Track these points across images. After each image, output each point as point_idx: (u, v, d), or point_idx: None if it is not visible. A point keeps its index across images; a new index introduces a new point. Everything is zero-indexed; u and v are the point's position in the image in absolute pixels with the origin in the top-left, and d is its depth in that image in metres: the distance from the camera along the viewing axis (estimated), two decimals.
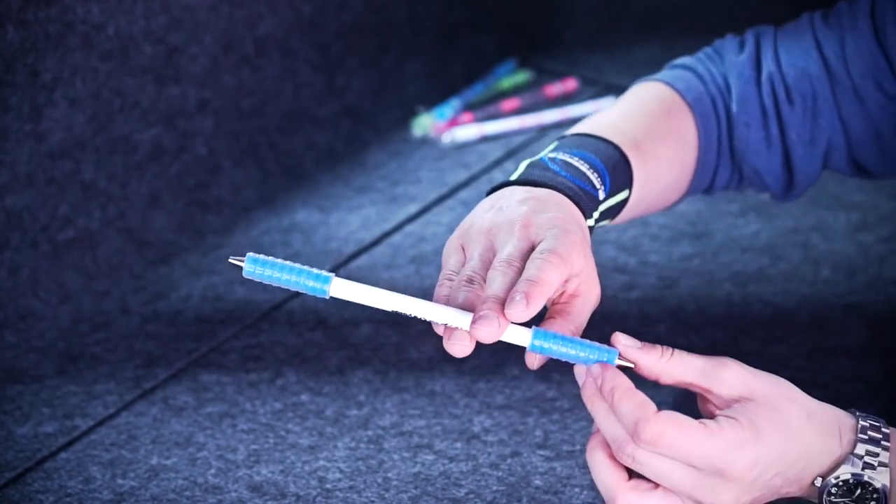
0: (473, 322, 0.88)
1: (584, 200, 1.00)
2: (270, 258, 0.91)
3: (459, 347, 0.90)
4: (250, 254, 0.91)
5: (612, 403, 0.88)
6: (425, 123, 1.76)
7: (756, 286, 1.41)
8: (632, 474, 0.89)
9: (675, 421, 0.86)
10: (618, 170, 1.05)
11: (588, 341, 0.90)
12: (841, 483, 0.88)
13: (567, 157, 1.02)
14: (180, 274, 1.46)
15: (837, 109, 1.15)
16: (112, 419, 1.23)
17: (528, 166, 1.02)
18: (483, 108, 1.81)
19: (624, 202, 1.06)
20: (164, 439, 1.20)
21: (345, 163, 1.68)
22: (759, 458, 0.87)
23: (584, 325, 0.92)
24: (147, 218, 1.50)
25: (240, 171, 1.61)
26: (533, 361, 0.90)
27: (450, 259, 0.95)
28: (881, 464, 0.88)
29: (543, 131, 1.77)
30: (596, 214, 1.02)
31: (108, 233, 1.45)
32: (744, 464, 0.86)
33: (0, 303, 1.35)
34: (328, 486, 1.14)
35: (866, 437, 0.89)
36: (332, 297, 0.90)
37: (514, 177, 1.01)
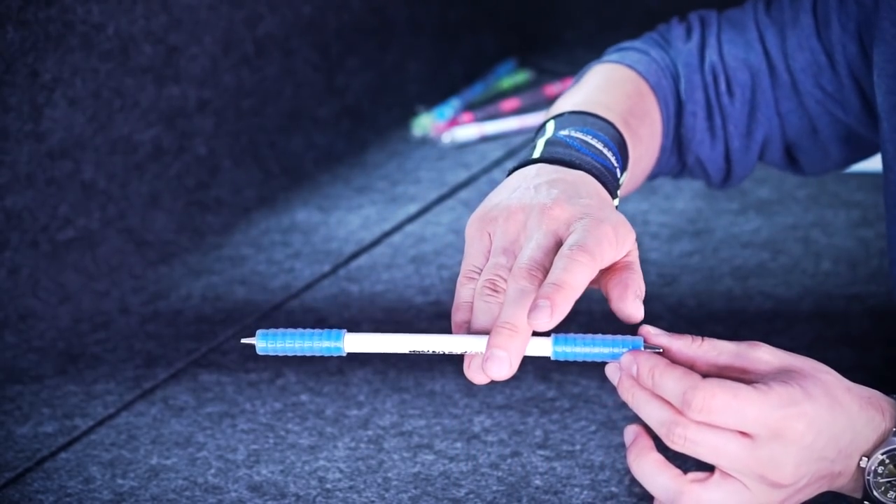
0: (484, 361, 0.86)
1: (610, 181, 0.97)
2: (280, 330, 0.89)
3: (481, 377, 0.88)
4: (260, 330, 0.90)
5: (654, 383, 0.86)
6: (425, 123, 1.76)
7: (757, 280, 1.41)
8: (686, 470, 0.87)
9: (724, 384, 0.84)
10: (622, 150, 1.03)
11: (609, 336, 0.88)
12: (887, 460, 0.87)
13: (582, 136, 0.99)
14: (180, 274, 1.46)
15: (775, 103, 1.14)
16: (112, 419, 1.23)
17: (549, 144, 0.98)
18: (483, 108, 1.81)
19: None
20: (164, 439, 1.20)
21: (345, 163, 1.68)
22: (813, 417, 0.85)
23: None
24: (147, 218, 1.50)
25: (240, 171, 1.61)
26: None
27: (472, 246, 0.92)
28: None
29: None
30: (618, 193, 0.99)
31: (108, 233, 1.45)
32: (800, 424, 0.84)
33: (0, 303, 1.35)
34: (328, 486, 1.14)
35: None
36: (348, 353, 0.89)
37: (536, 154, 0.98)
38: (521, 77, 1.90)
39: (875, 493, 0.88)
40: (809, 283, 1.40)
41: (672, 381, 0.85)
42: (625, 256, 0.90)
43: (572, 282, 0.85)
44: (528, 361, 1.28)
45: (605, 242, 0.88)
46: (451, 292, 1.42)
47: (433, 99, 1.81)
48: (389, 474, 1.15)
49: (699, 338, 0.89)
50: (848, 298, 1.36)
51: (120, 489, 1.14)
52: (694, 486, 0.86)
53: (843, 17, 1.09)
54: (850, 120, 1.12)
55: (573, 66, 1.93)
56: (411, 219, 1.57)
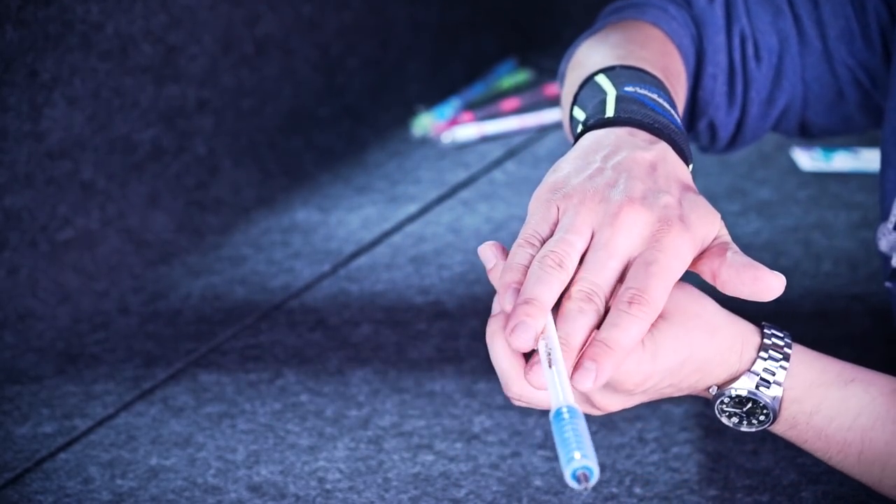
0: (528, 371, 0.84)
1: (685, 145, 0.93)
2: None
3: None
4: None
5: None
6: (425, 123, 1.76)
7: None
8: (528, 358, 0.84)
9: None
10: (677, 111, 0.98)
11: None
12: (733, 396, 0.89)
13: (649, 93, 0.95)
14: (180, 274, 1.46)
15: (802, 70, 1.12)
16: (111, 419, 1.23)
17: (620, 101, 0.93)
18: (483, 107, 1.81)
19: None
20: (164, 440, 1.20)
21: (345, 162, 1.68)
22: (651, 373, 0.85)
23: None
24: (146, 218, 1.49)
25: (239, 170, 1.60)
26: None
27: (537, 214, 0.88)
28: (776, 382, 0.89)
29: (543, 131, 1.77)
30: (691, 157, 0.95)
31: (108, 233, 1.45)
32: (635, 380, 0.84)
33: None
34: (328, 486, 1.14)
35: (766, 355, 0.89)
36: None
37: (610, 112, 0.92)
38: (522, 77, 1.90)
39: (720, 417, 0.90)
40: (810, 284, 1.40)
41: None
42: (714, 239, 0.88)
43: (624, 342, 0.82)
44: None
45: (675, 257, 0.85)
46: (451, 292, 1.42)
47: (433, 99, 1.81)
48: (389, 475, 1.15)
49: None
50: (849, 299, 1.36)
51: (119, 490, 1.14)
52: (526, 383, 0.85)
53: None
54: (877, 90, 1.11)
55: None
56: (411, 219, 1.57)
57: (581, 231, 0.85)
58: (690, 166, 0.93)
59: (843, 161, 1.64)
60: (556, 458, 1.16)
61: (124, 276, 1.44)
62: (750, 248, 1.47)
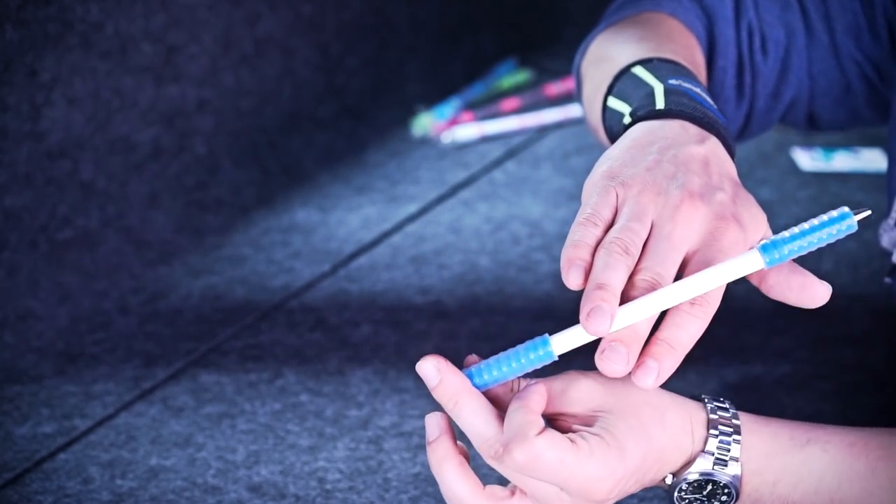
0: (637, 368, 0.83)
1: (731, 137, 0.93)
2: (488, 362, 0.87)
3: (615, 367, 0.83)
4: (471, 370, 0.88)
5: (509, 409, 0.84)
6: (425, 123, 1.75)
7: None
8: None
9: (553, 445, 0.82)
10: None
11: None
12: (692, 482, 0.86)
13: (693, 87, 0.94)
14: (179, 274, 1.46)
15: (808, 64, 1.12)
16: (111, 419, 1.23)
17: (670, 93, 0.93)
18: (483, 107, 1.81)
19: None
20: (164, 440, 1.20)
21: (344, 162, 1.68)
22: (623, 475, 0.84)
23: None
24: (146, 218, 1.49)
25: (239, 170, 1.60)
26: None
27: (596, 195, 0.86)
28: (733, 458, 0.86)
29: (544, 131, 1.77)
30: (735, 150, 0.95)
31: (107, 233, 1.45)
32: (609, 485, 0.83)
33: None
34: (328, 486, 1.14)
35: (717, 431, 0.86)
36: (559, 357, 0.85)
37: (660, 104, 0.92)
38: (522, 76, 1.89)
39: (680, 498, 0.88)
40: None
41: (518, 413, 0.83)
42: (761, 240, 0.87)
43: (685, 342, 0.83)
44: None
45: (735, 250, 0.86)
46: (451, 292, 1.42)
47: (433, 98, 1.81)
48: (389, 475, 1.15)
49: (525, 380, 0.87)
50: (849, 299, 1.36)
51: (119, 490, 1.14)
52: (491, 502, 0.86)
53: None
54: (884, 85, 1.11)
55: (574, 65, 1.93)
56: (411, 219, 1.57)
57: (643, 220, 0.85)
58: (734, 159, 0.93)
59: (843, 161, 1.64)
60: None
61: (124, 276, 1.44)
62: None
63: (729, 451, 0.86)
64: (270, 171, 1.63)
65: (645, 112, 0.92)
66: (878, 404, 1.23)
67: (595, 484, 0.83)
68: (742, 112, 1.13)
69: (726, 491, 0.86)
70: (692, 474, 0.86)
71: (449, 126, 1.76)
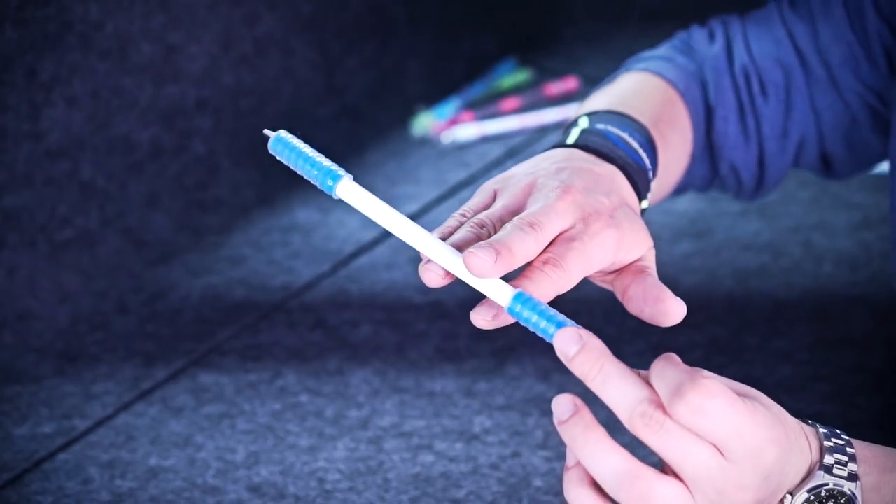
0: (468, 252, 0.79)
1: (641, 179, 0.94)
2: (296, 143, 0.90)
3: (432, 276, 0.82)
4: (281, 132, 0.88)
5: (651, 371, 0.78)
6: (425, 122, 1.75)
7: (757, 282, 1.40)
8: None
9: (725, 388, 0.76)
10: (653, 155, 0.99)
11: (564, 317, 0.81)
12: (813, 497, 0.80)
13: (618, 131, 0.96)
14: (179, 274, 1.46)
15: (811, 100, 1.12)
16: (111, 420, 1.23)
17: (585, 133, 0.95)
18: (483, 107, 1.81)
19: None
20: (163, 440, 1.20)
21: (344, 162, 1.67)
22: (782, 444, 0.79)
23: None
24: (146, 218, 1.49)
25: (239, 170, 1.60)
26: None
27: (477, 197, 0.88)
28: (851, 473, 0.81)
29: (544, 131, 1.77)
30: (649, 196, 0.96)
31: (107, 233, 1.45)
32: (775, 453, 0.78)
33: None
34: (328, 486, 1.14)
35: (831, 444, 0.82)
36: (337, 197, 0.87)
37: (571, 140, 0.94)
38: (522, 76, 1.89)
39: None
40: (811, 285, 1.40)
41: (669, 368, 0.77)
42: (638, 261, 0.87)
43: (518, 251, 0.81)
44: (528, 362, 1.28)
45: (598, 245, 0.84)
46: (451, 292, 1.42)
47: (433, 98, 1.81)
48: (389, 475, 1.15)
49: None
50: (849, 300, 1.36)
51: (119, 490, 1.14)
52: (650, 473, 0.77)
53: (876, 4, 1.08)
54: (888, 110, 1.10)
55: (574, 65, 1.93)
56: (411, 218, 1.57)
57: (509, 207, 0.85)
58: (644, 203, 0.94)
59: None
60: (556, 459, 1.16)
61: (124, 276, 1.44)
62: (750, 249, 1.47)
63: (846, 464, 0.82)
64: (270, 170, 1.63)
65: (552, 145, 0.94)
66: (879, 405, 1.23)
67: (765, 445, 0.77)
68: (753, 156, 1.13)
69: None
70: (811, 489, 0.81)
71: (449, 126, 1.76)
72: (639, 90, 1.09)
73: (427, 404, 1.24)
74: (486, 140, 1.74)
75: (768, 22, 1.14)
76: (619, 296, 0.87)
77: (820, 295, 1.38)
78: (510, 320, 0.82)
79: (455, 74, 1.87)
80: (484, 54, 1.91)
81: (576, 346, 0.79)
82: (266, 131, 0.88)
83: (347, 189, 0.88)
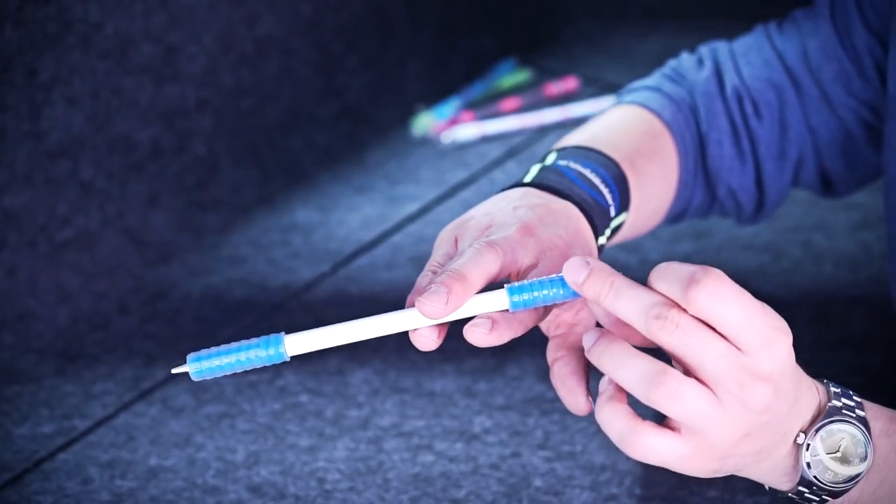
0: (417, 302, 0.82)
1: (598, 216, 0.96)
2: (212, 350, 0.81)
3: (424, 340, 0.84)
4: (191, 355, 0.82)
5: (652, 274, 0.79)
6: (425, 122, 1.75)
7: (758, 282, 1.40)
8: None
9: (733, 283, 0.78)
10: (622, 189, 1.01)
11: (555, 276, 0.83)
12: (826, 435, 0.82)
13: (580, 168, 0.98)
14: (179, 274, 1.46)
15: (805, 118, 1.12)
16: (111, 420, 1.23)
17: (542, 170, 0.97)
18: (483, 107, 1.81)
19: (620, 225, 1.02)
20: (163, 440, 1.20)
21: (344, 162, 1.68)
22: (790, 337, 0.81)
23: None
24: (146, 218, 1.49)
25: (239, 170, 1.60)
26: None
27: (439, 249, 0.90)
28: (860, 417, 0.83)
29: (544, 131, 1.77)
30: (607, 232, 0.98)
31: (107, 233, 1.45)
32: (787, 341, 0.80)
33: None
34: (328, 486, 1.14)
35: (839, 390, 0.84)
36: (291, 358, 0.83)
37: (527, 179, 0.96)
38: (522, 76, 1.89)
39: (813, 473, 0.83)
40: (810, 286, 1.40)
41: (675, 265, 0.78)
42: (578, 323, 0.88)
43: (470, 276, 0.83)
44: (528, 362, 1.28)
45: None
46: None
47: (433, 98, 1.81)
48: (389, 475, 1.15)
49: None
50: (849, 301, 1.36)
51: (119, 490, 1.14)
52: (675, 370, 0.78)
53: (864, 20, 1.08)
54: (882, 123, 1.11)
55: (573, 65, 1.93)
56: (411, 219, 1.57)
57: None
58: (601, 239, 0.96)
59: None
60: (556, 459, 1.16)
61: (124, 276, 1.44)
62: (750, 249, 1.47)
63: (854, 409, 0.84)
64: (270, 170, 1.63)
65: (509, 185, 0.96)
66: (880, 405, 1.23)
67: (776, 335, 0.79)
68: (750, 178, 1.14)
69: (860, 451, 0.83)
70: (820, 426, 0.82)
71: (449, 126, 1.76)
72: (618, 124, 1.10)
73: (427, 404, 1.24)
74: (486, 140, 1.74)
75: (757, 44, 1.14)
76: (548, 358, 0.88)
77: (820, 295, 1.38)
78: (506, 335, 0.83)
79: (455, 74, 1.86)
80: (484, 54, 1.91)
81: (585, 272, 0.81)
82: (175, 370, 0.82)
83: (294, 342, 0.83)
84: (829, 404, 0.84)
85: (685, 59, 1.17)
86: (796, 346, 1.10)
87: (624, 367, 0.79)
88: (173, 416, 1.23)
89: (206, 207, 1.55)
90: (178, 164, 1.54)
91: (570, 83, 1.85)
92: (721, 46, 1.16)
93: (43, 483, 1.15)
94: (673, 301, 0.78)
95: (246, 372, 1.29)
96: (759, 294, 1.33)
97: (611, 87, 1.84)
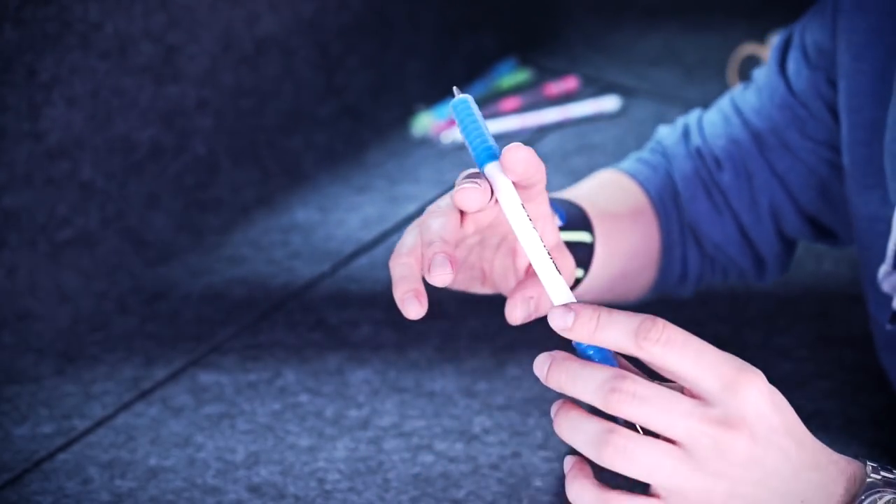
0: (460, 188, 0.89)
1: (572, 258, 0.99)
2: (475, 113, 0.91)
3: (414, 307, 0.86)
4: (465, 96, 0.90)
5: (599, 325, 0.77)
6: (425, 122, 1.75)
7: None
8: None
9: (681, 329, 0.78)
10: (572, 210, 1.04)
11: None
12: None
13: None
14: (179, 274, 1.46)
15: (770, 167, 1.15)
16: (110, 420, 1.23)
17: None
18: (483, 107, 1.81)
19: (588, 247, 1.04)
20: (163, 440, 1.20)
21: (344, 162, 1.68)
22: (775, 401, 0.77)
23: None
24: (146, 218, 1.49)
25: (239, 170, 1.60)
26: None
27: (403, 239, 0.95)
28: None
29: (544, 131, 1.76)
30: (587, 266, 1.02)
31: (107, 233, 1.45)
32: (759, 386, 0.77)
33: None
34: (328, 487, 1.14)
35: (879, 477, 0.79)
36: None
37: None
38: (522, 76, 1.89)
39: None
40: (811, 284, 1.40)
41: (623, 317, 0.77)
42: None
43: (447, 234, 0.89)
44: (528, 362, 1.27)
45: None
46: (451, 292, 1.41)
47: (433, 98, 1.81)
48: (389, 475, 1.15)
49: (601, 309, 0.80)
50: (849, 299, 1.36)
51: (118, 490, 1.14)
52: (625, 429, 0.77)
53: (810, 63, 1.11)
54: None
55: (574, 64, 1.93)
56: (411, 218, 1.57)
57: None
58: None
59: None
60: (556, 459, 1.16)
61: (124, 277, 1.44)
62: None
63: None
64: (270, 170, 1.63)
65: None
66: (879, 404, 1.22)
67: (740, 374, 0.77)
68: (732, 228, 1.17)
69: None
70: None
71: (449, 126, 1.75)
72: (591, 183, 1.17)
73: (427, 404, 1.24)
74: None
75: (719, 105, 1.19)
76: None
77: (820, 294, 1.38)
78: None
79: (455, 74, 1.86)
80: (484, 54, 1.91)
81: (544, 367, 0.81)
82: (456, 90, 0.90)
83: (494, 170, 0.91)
84: (868, 479, 0.79)
85: (662, 130, 1.22)
86: (795, 344, 1.10)
87: (575, 432, 0.78)
88: (173, 416, 1.23)
89: (206, 207, 1.55)
90: (178, 164, 1.54)
91: (570, 83, 1.85)
92: (693, 113, 1.22)
93: (42, 483, 1.15)
94: (626, 363, 0.79)
95: (246, 372, 1.30)
96: (759, 293, 1.33)
97: (611, 87, 1.84)
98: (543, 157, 1.81)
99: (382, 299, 1.41)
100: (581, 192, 1.12)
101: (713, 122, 1.18)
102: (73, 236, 1.41)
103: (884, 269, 1.04)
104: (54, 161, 1.39)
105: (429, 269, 0.85)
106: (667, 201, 1.16)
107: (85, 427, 1.22)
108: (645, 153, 1.21)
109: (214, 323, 1.37)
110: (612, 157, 1.69)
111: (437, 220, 0.88)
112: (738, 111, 1.17)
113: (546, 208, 0.91)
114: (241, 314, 1.38)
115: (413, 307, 0.84)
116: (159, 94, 1.50)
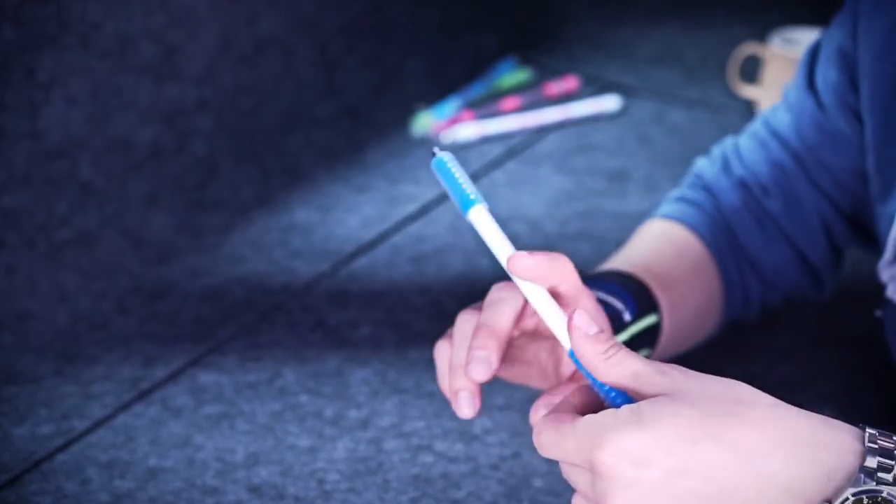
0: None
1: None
2: (453, 166, 0.91)
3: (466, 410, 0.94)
4: (444, 154, 0.91)
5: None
6: (425, 122, 1.75)
7: None
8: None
9: (554, 418, 0.80)
10: (637, 294, 1.05)
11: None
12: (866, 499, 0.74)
13: (601, 293, 1.04)
14: (179, 274, 1.45)
15: (815, 184, 1.16)
16: (110, 420, 1.23)
17: None
18: (483, 106, 1.81)
19: (656, 327, 1.06)
20: (162, 440, 1.20)
21: (344, 162, 1.68)
22: (648, 448, 0.74)
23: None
24: (145, 218, 1.49)
25: (239, 170, 1.60)
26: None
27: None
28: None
29: (544, 131, 1.76)
30: (625, 335, 1.02)
31: (106, 233, 1.45)
32: (609, 458, 0.75)
33: None
34: (327, 487, 1.14)
35: (876, 446, 0.75)
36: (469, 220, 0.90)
37: None
38: (522, 75, 1.89)
39: None
40: None
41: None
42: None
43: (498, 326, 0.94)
44: None
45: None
46: (451, 292, 1.42)
47: (433, 98, 1.81)
48: (389, 476, 1.15)
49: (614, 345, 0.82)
50: (851, 300, 1.35)
51: (118, 491, 1.14)
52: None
53: (837, 68, 1.11)
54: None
55: (574, 64, 1.93)
56: (411, 218, 1.57)
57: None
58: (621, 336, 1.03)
59: None
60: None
61: (123, 277, 1.44)
62: None
63: (892, 470, 0.75)
64: (270, 170, 1.63)
65: None
66: (879, 405, 1.22)
67: (592, 452, 0.77)
68: (788, 254, 1.18)
69: None
70: (859, 486, 0.74)
71: (449, 125, 1.75)
72: (640, 239, 1.18)
73: (427, 404, 1.24)
74: (486, 140, 1.74)
75: (754, 130, 1.20)
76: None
77: None
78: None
79: (455, 74, 1.86)
80: (484, 53, 1.91)
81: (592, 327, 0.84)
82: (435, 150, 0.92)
83: (477, 215, 0.91)
84: (863, 465, 0.75)
85: (700, 163, 1.23)
86: (796, 345, 1.10)
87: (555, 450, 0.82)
88: (172, 417, 1.23)
89: (205, 207, 1.55)
90: (177, 164, 1.53)
91: (570, 82, 1.85)
92: (727, 141, 1.22)
93: (42, 484, 1.15)
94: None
95: (245, 372, 1.29)
96: None
97: (611, 87, 1.84)
98: (543, 157, 1.82)
99: (382, 299, 1.41)
100: (637, 258, 1.13)
101: (751, 148, 1.18)
102: (72, 236, 1.41)
103: (884, 259, 1.05)
104: (53, 161, 1.39)
105: (468, 364, 0.93)
106: (720, 241, 1.17)
107: (84, 427, 1.22)
108: (685, 190, 1.21)
109: (214, 323, 1.37)
110: (612, 157, 1.69)
111: (489, 313, 0.95)
112: (774, 134, 1.17)
113: (591, 303, 0.93)
114: (241, 314, 1.38)
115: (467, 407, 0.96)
116: (159, 93, 1.50)
